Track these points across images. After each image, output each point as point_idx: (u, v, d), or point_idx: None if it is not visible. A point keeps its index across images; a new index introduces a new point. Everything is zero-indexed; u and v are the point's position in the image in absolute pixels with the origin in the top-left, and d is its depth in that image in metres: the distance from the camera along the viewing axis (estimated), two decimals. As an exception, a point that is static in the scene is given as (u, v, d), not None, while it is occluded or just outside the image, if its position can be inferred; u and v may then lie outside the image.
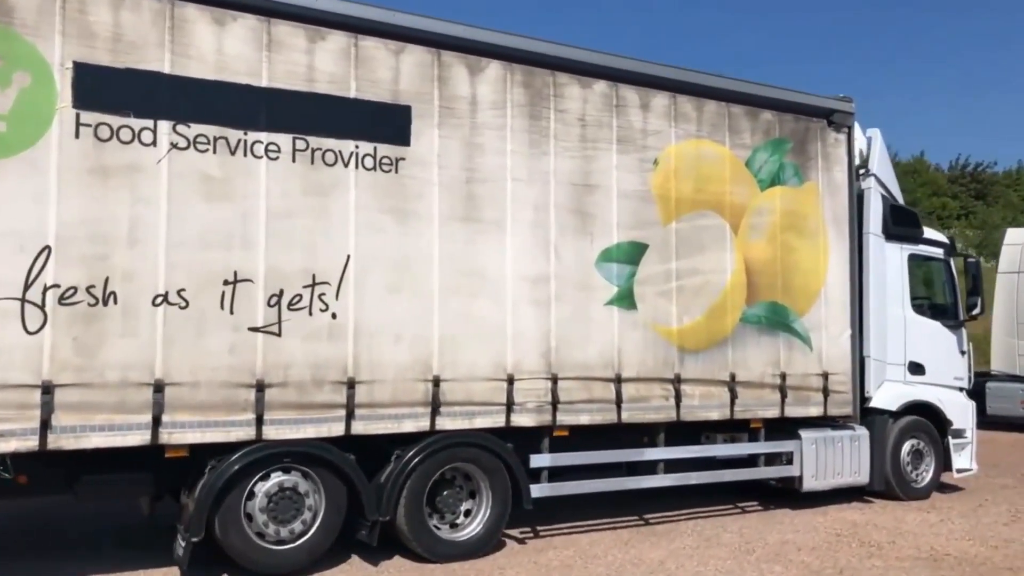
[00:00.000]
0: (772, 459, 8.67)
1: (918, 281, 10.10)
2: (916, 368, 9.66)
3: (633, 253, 7.66)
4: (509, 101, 7.13)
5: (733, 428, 8.57)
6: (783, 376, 8.42)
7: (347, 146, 6.42)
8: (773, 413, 8.40)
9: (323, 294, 6.26)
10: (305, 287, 6.19)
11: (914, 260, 9.85)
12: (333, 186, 6.35)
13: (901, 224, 9.65)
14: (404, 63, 6.70)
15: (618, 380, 7.48)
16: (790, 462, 8.63)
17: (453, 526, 6.93)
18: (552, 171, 7.29)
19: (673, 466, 8.19)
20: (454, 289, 6.76)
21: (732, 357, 8.14)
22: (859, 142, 9.55)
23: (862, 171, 9.46)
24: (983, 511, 8.95)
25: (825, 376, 8.69)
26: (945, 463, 9.79)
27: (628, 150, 7.69)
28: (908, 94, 70.49)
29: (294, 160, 6.22)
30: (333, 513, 6.33)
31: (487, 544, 6.91)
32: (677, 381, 7.80)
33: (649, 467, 8.00)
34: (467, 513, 6.99)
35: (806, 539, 7.59)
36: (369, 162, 6.50)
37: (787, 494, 8.96)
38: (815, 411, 8.66)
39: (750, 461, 8.65)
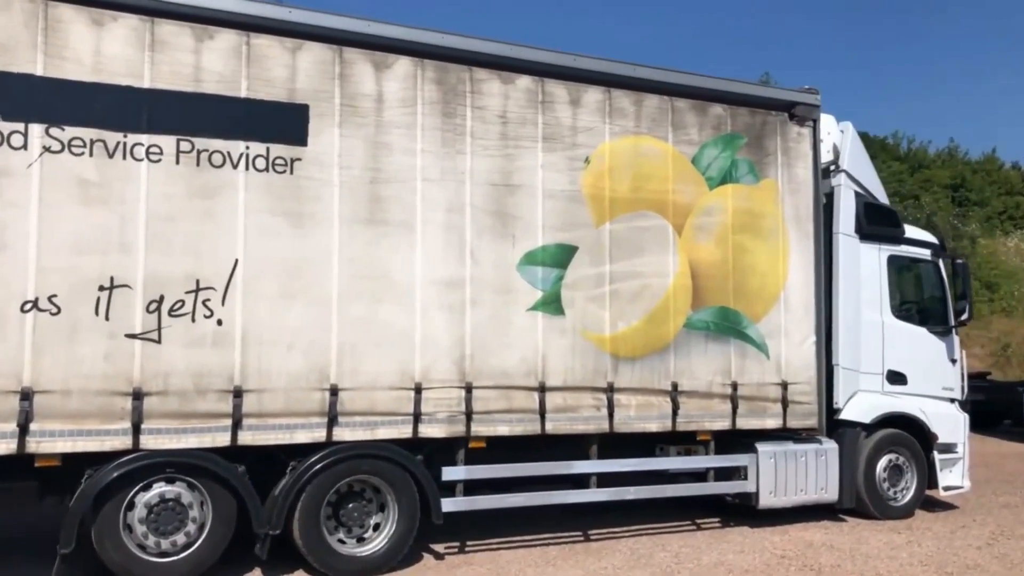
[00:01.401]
0: (728, 473, 8.18)
1: (901, 284, 9.46)
2: (896, 377, 9.01)
3: (561, 256, 7.29)
4: (420, 98, 6.85)
5: (691, 440, 8.12)
6: (735, 386, 7.91)
7: (236, 147, 6.22)
8: (723, 425, 7.91)
9: (208, 300, 6.07)
10: (188, 293, 6.01)
11: (895, 262, 9.21)
12: (220, 188, 6.16)
13: (878, 223, 9.02)
14: (301, 61, 6.48)
15: (542, 389, 7.11)
16: (745, 477, 8.11)
17: (360, 540, 6.66)
18: (468, 170, 6.98)
19: (620, 479, 7.79)
20: (355, 294, 6.50)
21: (675, 365, 7.68)
22: (833, 136, 8.99)
23: (833, 167, 8.89)
24: (963, 532, 8.27)
25: (784, 386, 8.14)
26: (930, 480, 9.10)
27: (555, 148, 7.33)
28: (979, 90, 67.50)
29: (178, 162, 6.05)
30: (221, 525, 6.13)
31: (391, 560, 6.62)
32: (610, 390, 7.38)
33: (596, 480, 7.59)
34: (376, 527, 6.72)
35: (744, 561, 7.09)
36: (261, 163, 6.29)
37: (753, 511, 8.39)
38: (772, 423, 8.12)
39: (704, 475, 8.19)
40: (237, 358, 6.12)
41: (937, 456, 9.09)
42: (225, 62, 6.25)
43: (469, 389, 6.84)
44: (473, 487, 7.11)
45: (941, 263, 9.50)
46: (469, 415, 6.84)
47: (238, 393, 6.09)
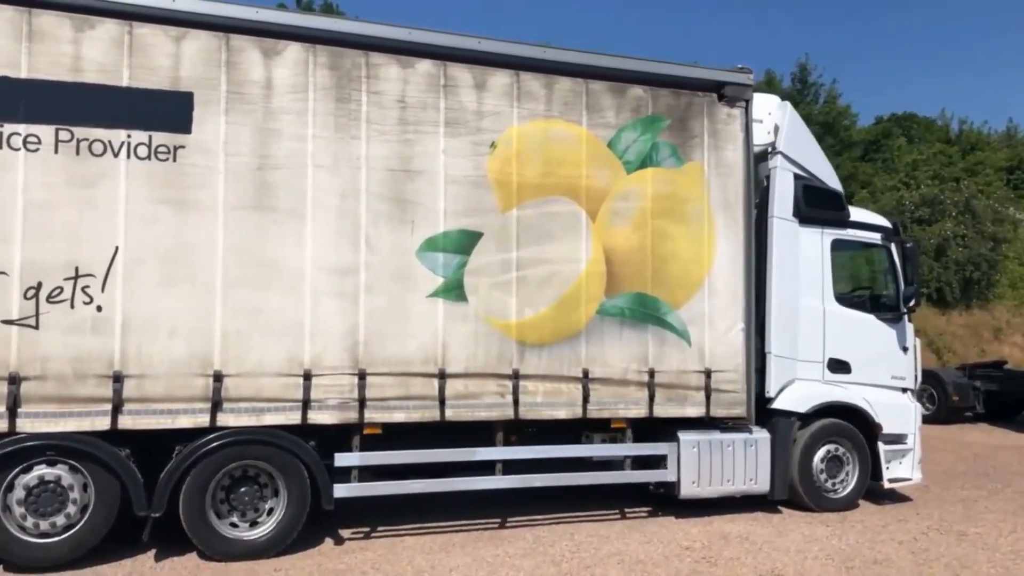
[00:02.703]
0: (655, 462, 8.03)
1: (847, 269, 9.14)
2: (839, 366, 8.72)
3: (464, 242, 7.21)
4: (312, 84, 6.82)
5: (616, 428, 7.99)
6: (652, 373, 7.75)
7: (118, 135, 6.28)
8: (638, 412, 7.75)
9: (87, 287, 6.16)
10: (67, 279, 6.11)
11: (841, 246, 8.90)
12: (100, 177, 6.23)
13: (820, 206, 8.71)
14: (186, 49, 6.51)
15: (442, 376, 7.06)
16: (666, 466, 7.96)
17: (254, 524, 6.73)
18: (364, 156, 6.94)
19: (537, 467, 7.68)
20: (241, 281, 6.53)
21: (587, 352, 7.55)
22: (774, 117, 8.70)
23: (771, 149, 8.60)
24: (897, 526, 7.99)
25: (708, 374, 7.94)
26: (874, 472, 8.80)
27: (459, 133, 7.24)
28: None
29: (56, 151, 6.13)
30: (103, 507, 6.25)
31: (278, 545, 6.66)
32: (515, 377, 7.30)
33: (504, 467, 7.55)
34: (271, 511, 6.77)
35: (644, 551, 6.96)
36: (143, 151, 6.35)
37: (690, 503, 8.20)
38: (694, 411, 7.94)
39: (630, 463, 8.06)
40: (117, 344, 6.21)
41: (883, 447, 8.78)
42: (106, 52, 6.30)
43: (363, 376, 6.82)
44: (392, 473, 7.11)
45: (893, 247, 9.13)
46: (362, 402, 6.83)
47: (118, 378, 6.18)
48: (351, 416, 6.83)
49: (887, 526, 8.00)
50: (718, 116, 8.15)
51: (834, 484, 8.61)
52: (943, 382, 17.75)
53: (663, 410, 7.82)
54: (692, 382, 7.91)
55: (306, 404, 6.67)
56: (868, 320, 8.93)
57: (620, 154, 7.78)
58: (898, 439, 8.94)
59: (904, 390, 9.12)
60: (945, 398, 17.64)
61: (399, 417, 6.98)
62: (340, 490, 6.87)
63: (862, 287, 9.37)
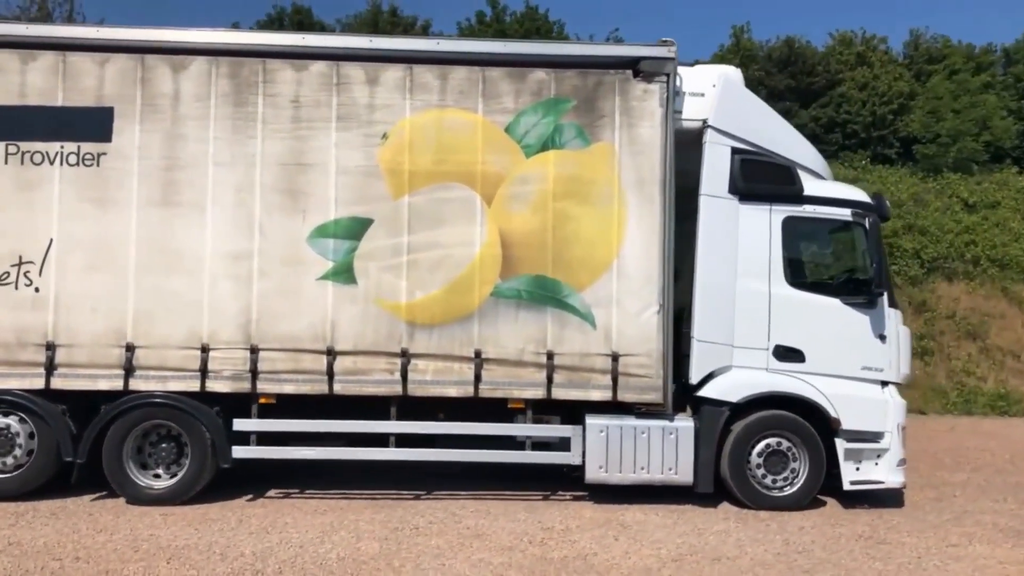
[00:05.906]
0: (565, 445, 8.03)
1: (808, 249, 8.37)
2: (789, 354, 8.04)
3: (354, 228, 7.76)
4: (213, 92, 7.74)
5: (544, 408, 8.10)
6: (550, 355, 7.76)
7: (53, 147, 7.63)
8: (535, 394, 7.80)
9: (28, 272, 7.58)
10: (12, 266, 7.57)
11: (796, 224, 8.18)
12: (39, 182, 7.62)
13: (764, 181, 8.07)
14: (108, 70, 7.71)
15: (330, 353, 7.68)
16: (569, 449, 7.92)
17: (175, 476, 7.84)
18: (259, 153, 7.73)
19: (462, 442, 8.04)
20: (150, 267, 7.62)
21: (479, 333, 7.76)
22: (718, 89, 8.21)
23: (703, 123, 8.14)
24: (813, 531, 7.25)
25: (615, 358, 7.77)
26: (832, 471, 8.00)
27: (350, 127, 7.79)
28: None
29: (6, 163, 7.62)
30: (44, 453, 7.65)
31: (181, 495, 7.69)
32: (404, 355, 7.71)
33: (459, 442, 7.99)
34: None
35: (500, 528, 7.07)
36: (73, 159, 7.65)
37: (621, 489, 8.13)
38: (599, 395, 7.80)
39: (547, 444, 8.12)
40: (50, 319, 7.56)
41: (844, 444, 7.95)
42: (45, 78, 7.68)
43: (255, 351, 7.64)
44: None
45: (868, 224, 8.18)
46: (255, 374, 7.65)
47: (50, 347, 7.54)
48: (244, 386, 7.67)
49: (808, 528, 7.32)
50: (632, 93, 7.91)
51: (776, 481, 7.97)
52: None
53: (564, 393, 7.81)
54: (597, 365, 7.80)
55: (204, 374, 7.62)
56: (830, 305, 8.11)
57: (519, 138, 7.86)
58: (871, 437, 8.05)
59: (884, 384, 8.17)
60: None
61: (289, 389, 7.71)
62: (238, 451, 7.75)
63: (822, 268, 8.50)
